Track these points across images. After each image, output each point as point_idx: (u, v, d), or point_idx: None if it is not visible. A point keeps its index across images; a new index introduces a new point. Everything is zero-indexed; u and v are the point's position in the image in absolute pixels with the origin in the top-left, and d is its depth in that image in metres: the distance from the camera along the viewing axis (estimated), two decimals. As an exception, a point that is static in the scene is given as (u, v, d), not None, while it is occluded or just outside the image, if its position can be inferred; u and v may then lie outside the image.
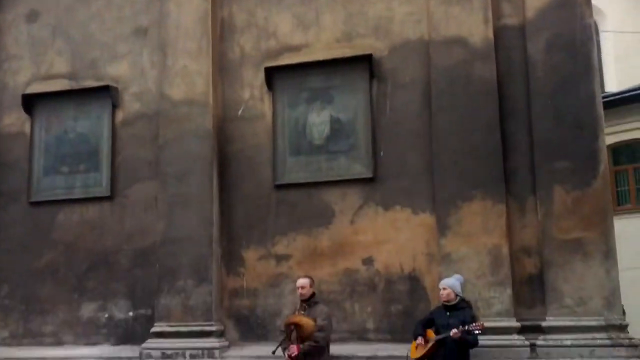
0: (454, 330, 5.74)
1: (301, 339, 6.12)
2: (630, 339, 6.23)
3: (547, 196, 6.55)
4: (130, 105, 8.02)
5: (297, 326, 6.12)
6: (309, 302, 6.35)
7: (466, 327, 5.77)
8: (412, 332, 6.22)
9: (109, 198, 7.84)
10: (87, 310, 7.76)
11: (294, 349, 6.07)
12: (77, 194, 7.92)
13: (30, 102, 8.24)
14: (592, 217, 6.44)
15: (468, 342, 5.84)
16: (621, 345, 6.14)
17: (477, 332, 5.80)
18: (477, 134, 6.76)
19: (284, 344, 6.24)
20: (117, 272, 7.71)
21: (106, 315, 7.69)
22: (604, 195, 6.52)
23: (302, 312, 6.28)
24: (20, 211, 8.16)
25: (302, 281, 6.41)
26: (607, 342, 6.18)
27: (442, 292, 6.12)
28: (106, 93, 7.98)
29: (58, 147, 8.10)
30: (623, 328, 6.30)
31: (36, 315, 7.90)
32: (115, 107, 7.99)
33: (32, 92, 8.29)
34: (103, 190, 7.84)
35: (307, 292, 6.36)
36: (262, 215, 7.38)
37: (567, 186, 6.52)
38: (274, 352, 6.35)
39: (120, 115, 8.03)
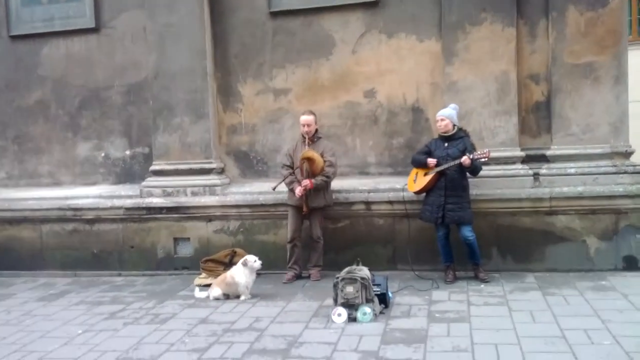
0: (464, 157, 6.07)
1: (312, 174, 6.56)
2: (635, 165, 6.62)
3: (560, 18, 6.63)
4: None
5: (310, 161, 6.52)
6: (312, 137, 6.69)
7: (471, 156, 6.10)
8: (412, 162, 6.60)
9: (94, 30, 7.95)
10: (83, 149, 8.18)
11: (307, 183, 6.51)
12: (59, 25, 8.00)
13: None
14: (606, 39, 6.57)
15: (476, 168, 6.21)
16: (625, 172, 6.55)
17: (483, 159, 6.15)
18: (489, -49, 6.69)
19: (290, 179, 6.65)
20: (111, 109, 8.03)
21: (103, 154, 8.11)
22: (620, 16, 6.61)
23: (307, 148, 6.67)
24: (1, 46, 8.31)
25: (307, 118, 6.71)
26: (611, 169, 6.58)
27: (439, 123, 6.39)
28: None
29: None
30: (628, 155, 6.66)
31: (31, 156, 8.37)
32: None
33: None
34: (87, 21, 7.90)
35: (313, 129, 6.73)
36: (258, 46, 7.51)
37: (581, 6, 6.59)
38: (274, 188, 6.81)
39: (101, -63, 7.90)
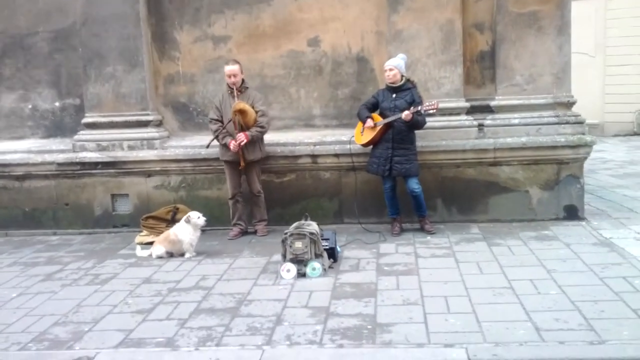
0: (406, 112, 6.02)
1: (246, 126, 6.35)
2: (576, 115, 6.75)
3: (506, -36, 6.55)
4: None
5: (243, 113, 6.29)
6: (240, 88, 6.45)
7: (419, 108, 6.05)
8: (357, 115, 6.50)
9: (14, -29, 7.36)
10: (7, 101, 7.69)
11: (242, 137, 6.30)
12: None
13: None
14: (550, -12, 6.55)
15: (419, 123, 6.17)
16: (567, 123, 6.67)
17: (432, 111, 6.12)
18: None
19: (222, 134, 6.42)
20: (36, 57, 7.53)
21: (30, 106, 7.66)
22: (565, -36, 6.57)
23: (236, 99, 6.40)
24: None
25: (233, 68, 6.43)
26: (554, 119, 6.68)
27: (387, 73, 6.29)
28: None
29: None
30: (570, 105, 6.78)
31: (-52, 109, 7.78)
32: None
33: None
34: (6, -40, 7.29)
35: (239, 79, 6.45)
36: (195, -10, 7.14)
37: (528, -47, 6.52)
38: (207, 146, 6.61)
39: None
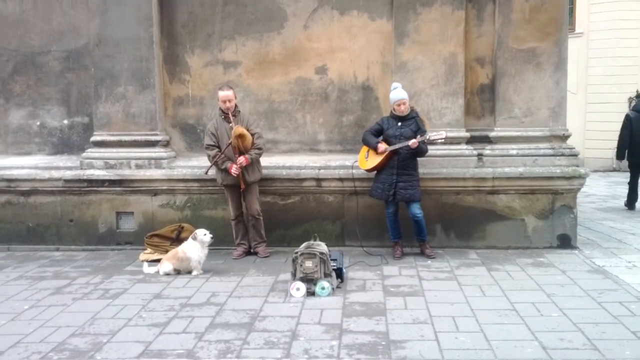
0: (413, 140, 6.28)
1: (245, 150, 6.53)
2: (571, 148, 7.06)
3: (506, 3, 6.92)
4: None
5: (242, 137, 6.45)
6: (234, 112, 6.62)
7: (427, 137, 6.32)
8: (363, 141, 6.72)
9: (30, -10, 7.56)
10: (16, 117, 7.81)
11: (242, 160, 6.48)
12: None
13: None
14: (548, 26, 6.92)
15: (422, 151, 6.44)
16: (562, 155, 6.97)
17: (440, 141, 6.39)
18: None
19: (221, 159, 6.59)
20: (48, 75, 7.68)
21: (38, 123, 7.77)
22: (562, 4, 6.97)
23: (231, 124, 6.56)
24: None
25: (227, 94, 6.57)
26: (550, 151, 6.99)
27: (401, 107, 6.51)
28: None
29: None
30: (565, 138, 7.10)
31: (-42, 123, 7.88)
32: None
33: None
34: (22, -19, 7.49)
35: (233, 104, 6.61)
36: (207, 15, 7.38)
37: (526, -7, 6.88)
38: (206, 172, 6.78)
39: None
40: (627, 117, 10.01)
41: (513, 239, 6.95)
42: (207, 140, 6.71)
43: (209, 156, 6.70)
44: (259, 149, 6.66)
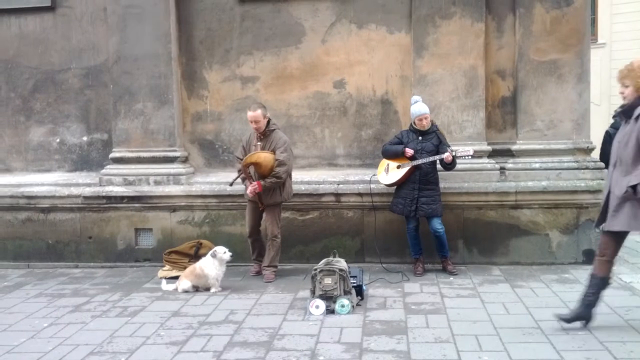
0: (447, 154, 6.23)
1: (262, 175, 6.41)
2: (595, 161, 6.96)
3: (527, 15, 6.87)
4: None
5: (257, 165, 6.36)
6: (264, 132, 6.47)
7: (455, 152, 6.28)
8: (384, 153, 6.68)
9: (50, 9, 7.66)
10: (36, 134, 7.90)
11: (255, 186, 6.38)
12: (12, 2, 7.67)
13: None
14: (570, 38, 6.85)
15: (454, 165, 6.37)
16: (586, 168, 6.87)
17: (468, 157, 6.34)
18: (459, -53, 6.87)
19: (243, 175, 6.50)
20: (67, 92, 7.78)
21: (58, 140, 7.86)
22: (584, 15, 6.89)
23: (258, 143, 6.48)
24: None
25: (254, 114, 6.32)
26: (574, 164, 6.89)
27: (423, 122, 6.47)
28: None
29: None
30: (589, 151, 7.00)
31: (-21, 140, 8.01)
32: None
33: None
34: (42, -1, 7.61)
35: (262, 124, 6.41)
36: (225, 31, 7.43)
37: (547, 4, 6.85)
38: (231, 184, 6.72)
39: None
40: (607, 134, 9.60)
41: (537, 255, 6.84)
42: (237, 152, 6.72)
43: (237, 169, 6.63)
44: (277, 177, 6.34)
